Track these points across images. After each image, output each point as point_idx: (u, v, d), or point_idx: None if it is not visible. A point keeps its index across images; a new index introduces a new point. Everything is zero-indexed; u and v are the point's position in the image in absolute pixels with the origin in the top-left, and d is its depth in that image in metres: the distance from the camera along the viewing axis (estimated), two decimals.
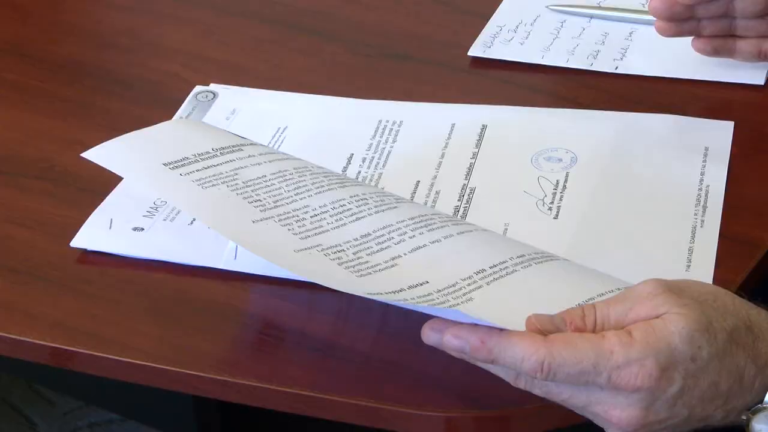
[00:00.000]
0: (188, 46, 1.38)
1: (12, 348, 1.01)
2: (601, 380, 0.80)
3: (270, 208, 0.99)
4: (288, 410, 0.94)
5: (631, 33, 1.32)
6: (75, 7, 1.53)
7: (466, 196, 1.10)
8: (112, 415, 2.05)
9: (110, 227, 1.06)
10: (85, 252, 1.04)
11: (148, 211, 1.07)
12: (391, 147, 1.17)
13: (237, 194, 1.00)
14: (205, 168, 1.03)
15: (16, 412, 2.08)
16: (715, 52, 1.24)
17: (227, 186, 1.01)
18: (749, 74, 1.24)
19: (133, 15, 1.46)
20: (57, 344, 0.98)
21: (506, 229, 1.04)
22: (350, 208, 1.00)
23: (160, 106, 1.23)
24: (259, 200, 1.00)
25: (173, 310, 1.00)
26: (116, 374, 1.00)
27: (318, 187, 1.03)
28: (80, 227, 1.05)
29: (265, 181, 1.03)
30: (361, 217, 0.98)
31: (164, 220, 1.06)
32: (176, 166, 1.01)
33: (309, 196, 1.01)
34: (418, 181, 1.12)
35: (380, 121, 1.21)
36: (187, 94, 1.25)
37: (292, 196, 1.01)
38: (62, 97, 1.31)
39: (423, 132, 1.20)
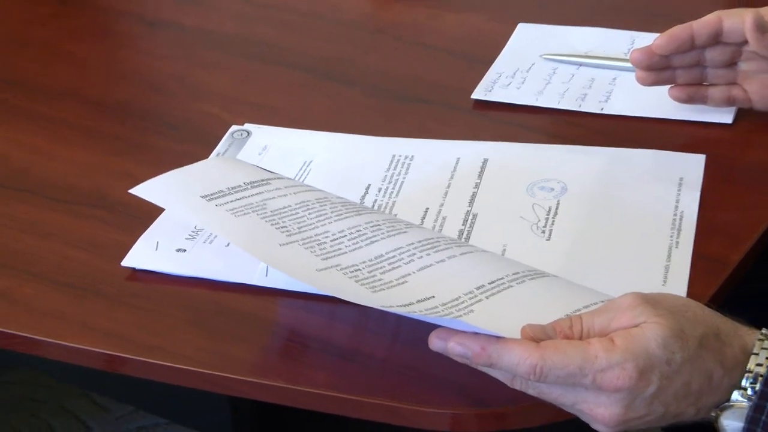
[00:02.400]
0: (226, 90, 1.39)
1: (70, 355, 1.02)
2: (587, 381, 0.81)
3: (295, 233, 1.00)
4: (313, 408, 0.95)
5: (614, 78, 1.32)
6: (128, 56, 1.53)
7: (469, 221, 1.11)
8: (159, 419, 2.08)
9: (156, 249, 1.07)
10: (134, 270, 1.05)
11: (189, 235, 1.08)
12: (404, 178, 1.18)
13: (266, 221, 1.02)
14: (238, 199, 1.04)
15: (73, 417, 2.14)
16: (690, 99, 1.25)
17: (257, 214, 1.02)
18: (719, 115, 1.25)
19: (178, 63, 1.46)
20: (110, 351, 0.99)
21: (504, 250, 1.05)
22: (365, 233, 1.01)
23: (200, 144, 1.25)
24: (285, 227, 1.01)
25: (212, 321, 1.01)
26: (163, 377, 1.00)
27: (337, 215, 1.04)
28: (130, 249, 1.06)
29: (291, 210, 1.04)
30: (375, 241, 1.00)
31: (204, 242, 1.07)
32: (212, 198, 1.03)
33: (329, 223, 1.03)
34: (427, 208, 1.13)
35: (394, 156, 1.22)
36: (225, 133, 1.27)
37: (314, 223, 1.02)
38: (115, 135, 1.31)
39: (432, 165, 1.21)
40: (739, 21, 1.17)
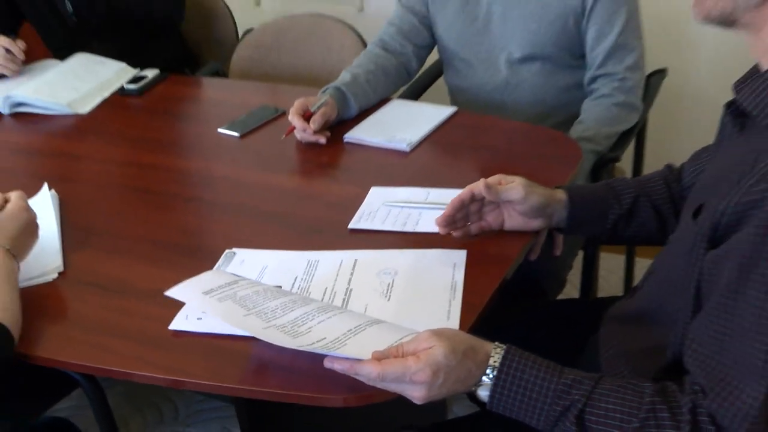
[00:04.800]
0: (225, 231, 1.39)
1: (146, 380, 1.08)
2: (406, 379, 0.91)
3: (251, 309, 1.05)
4: (273, 399, 1.02)
5: (420, 213, 1.35)
6: (174, 218, 1.47)
7: (348, 293, 1.17)
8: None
9: (186, 319, 1.14)
10: (176, 331, 1.13)
11: (202, 312, 1.13)
12: (314, 272, 1.23)
13: (235, 303, 1.06)
14: (220, 293, 1.08)
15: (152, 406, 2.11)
16: (464, 236, 1.26)
17: (231, 300, 1.06)
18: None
19: (202, 219, 1.48)
20: (169, 377, 1.07)
21: (366, 307, 1.13)
22: (289, 306, 1.06)
23: (207, 262, 1.28)
24: (246, 306, 1.05)
25: (217, 354, 1.08)
26: (198, 388, 1.08)
27: (273, 297, 1.08)
28: (173, 320, 1.14)
29: (249, 297, 1.08)
30: (294, 309, 1.05)
31: (210, 315, 1.11)
32: (207, 293, 1.08)
33: (269, 302, 1.07)
34: (326, 287, 1.18)
35: (309, 261, 1.26)
36: (221, 254, 1.30)
37: (261, 303, 1.06)
38: (164, 258, 1.33)
39: (329, 264, 1.24)
40: (479, 186, 1.22)
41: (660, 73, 1.96)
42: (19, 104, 1.92)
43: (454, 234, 1.27)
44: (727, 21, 0.91)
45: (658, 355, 0.99)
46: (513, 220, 1.28)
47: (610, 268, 2.42)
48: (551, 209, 1.25)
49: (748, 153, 0.89)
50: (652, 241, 1.25)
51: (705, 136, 1.09)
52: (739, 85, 0.94)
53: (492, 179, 1.25)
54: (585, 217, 1.27)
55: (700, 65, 2.24)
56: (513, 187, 1.23)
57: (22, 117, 1.92)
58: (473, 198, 1.24)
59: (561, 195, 1.26)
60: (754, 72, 0.94)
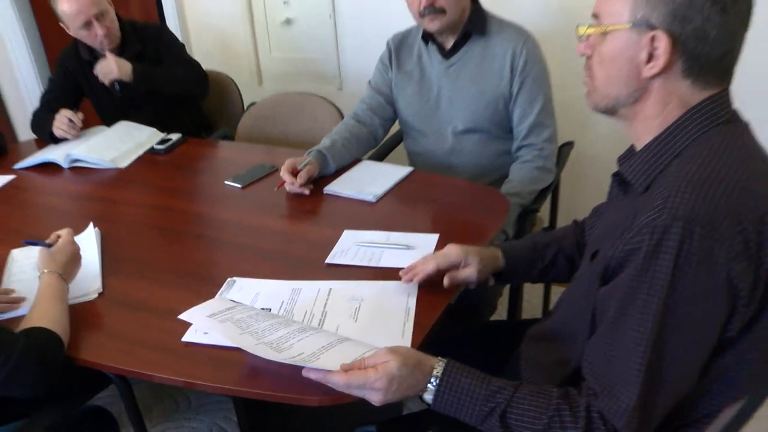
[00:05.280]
0: (228, 263, 1.38)
1: (164, 380, 1.06)
2: (368, 386, 0.91)
3: (245, 329, 1.04)
4: (267, 399, 1.00)
5: (383, 251, 1.34)
6: (190, 255, 1.44)
7: (324, 316, 1.15)
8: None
9: (195, 333, 1.14)
10: (188, 342, 1.12)
11: (207, 329, 1.12)
12: (297, 297, 1.21)
13: (233, 324, 1.05)
14: (221, 316, 1.08)
15: (170, 397, 2.09)
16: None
17: (230, 322, 1.06)
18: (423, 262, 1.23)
19: (212, 250, 1.46)
20: (183, 378, 1.06)
21: (338, 327, 1.11)
22: (275, 326, 1.05)
23: (214, 287, 1.28)
24: (241, 327, 1.04)
25: (219, 362, 1.08)
26: (207, 389, 1.05)
27: (264, 320, 1.07)
28: (185, 333, 1.14)
29: (243, 319, 1.07)
30: (279, 329, 1.04)
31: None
32: (211, 316, 1.08)
33: (259, 323, 1.06)
34: (306, 311, 1.17)
35: (293, 289, 1.24)
36: (224, 281, 1.30)
37: (253, 324, 1.05)
38: (181, 285, 1.32)
39: (308, 291, 1.22)
40: (434, 265, 1.19)
41: (569, 145, 2.00)
42: (76, 160, 1.99)
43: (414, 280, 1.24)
44: (609, 112, 0.94)
45: (564, 367, 0.99)
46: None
47: (532, 294, 2.42)
48: (494, 268, 1.24)
49: (629, 211, 0.90)
50: (565, 280, 1.24)
51: (601, 193, 1.10)
52: (621, 160, 0.97)
53: (451, 264, 1.19)
54: (516, 271, 1.25)
55: (599, 140, 2.26)
56: (468, 272, 1.20)
57: (78, 170, 1.99)
58: (430, 277, 1.22)
59: (498, 255, 1.24)
60: (632, 150, 0.96)
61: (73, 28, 2.06)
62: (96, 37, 2.06)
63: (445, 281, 1.18)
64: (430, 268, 1.19)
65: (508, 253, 1.25)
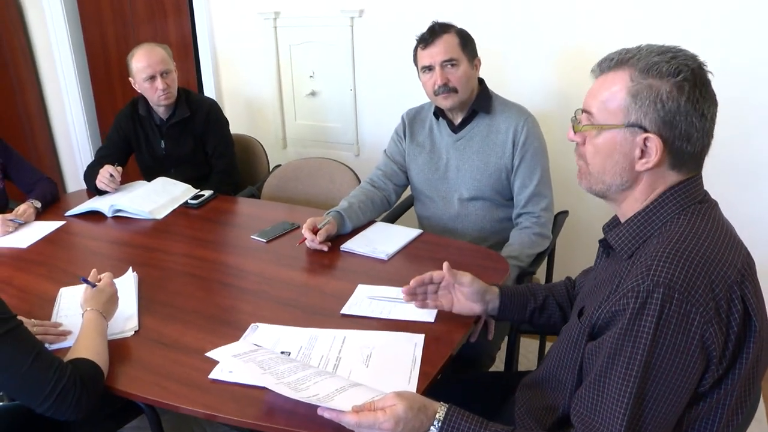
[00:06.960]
0: (252, 310, 1.39)
1: (191, 413, 1.07)
2: (376, 427, 0.91)
3: (267, 370, 1.05)
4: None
5: (394, 305, 1.35)
6: (218, 300, 1.45)
7: (338, 361, 1.15)
8: None
9: (221, 371, 1.14)
10: (213, 379, 1.14)
11: (232, 368, 1.14)
12: (314, 344, 1.22)
13: (255, 365, 1.06)
14: (245, 357, 1.10)
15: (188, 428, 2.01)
16: (422, 306, 1.27)
17: (253, 362, 1.07)
18: (429, 317, 1.30)
19: (237, 297, 1.47)
20: (207, 411, 1.06)
21: (350, 372, 1.12)
22: (294, 370, 1.06)
23: (238, 331, 1.30)
24: (263, 368, 1.06)
25: (246, 397, 1.08)
26: (228, 422, 1.06)
27: (283, 363, 1.08)
28: (211, 371, 1.15)
29: (265, 361, 1.08)
30: (297, 372, 1.05)
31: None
32: (236, 356, 1.10)
33: (279, 366, 1.07)
34: (322, 356, 1.18)
35: (310, 336, 1.25)
36: (248, 326, 1.32)
37: (275, 366, 1.07)
38: (208, 328, 1.33)
39: (325, 339, 1.23)
40: (440, 272, 1.23)
41: (564, 214, 2.03)
42: (118, 210, 2.07)
43: (416, 305, 1.28)
44: (601, 195, 0.99)
45: (553, 412, 1.01)
46: (460, 304, 1.28)
47: (529, 349, 2.41)
48: (489, 297, 1.26)
49: (614, 275, 0.94)
50: (558, 330, 1.22)
51: (593, 257, 1.12)
52: (607, 229, 1.01)
53: (444, 276, 1.26)
54: (511, 306, 1.27)
55: (591, 210, 2.28)
56: (464, 273, 1.25)
57: (119, 219, 2.04)
58: (432, 280, 1.26)
59: (495, 288, 1.28)
60: (616, 220, 1.01)
61: (139, 80, 2.23)
62: (156, 90, 2.22)
63: (444, 266, 1.22)
64: (425, 275, 1.24)
65: (504, 289, 1.28)
